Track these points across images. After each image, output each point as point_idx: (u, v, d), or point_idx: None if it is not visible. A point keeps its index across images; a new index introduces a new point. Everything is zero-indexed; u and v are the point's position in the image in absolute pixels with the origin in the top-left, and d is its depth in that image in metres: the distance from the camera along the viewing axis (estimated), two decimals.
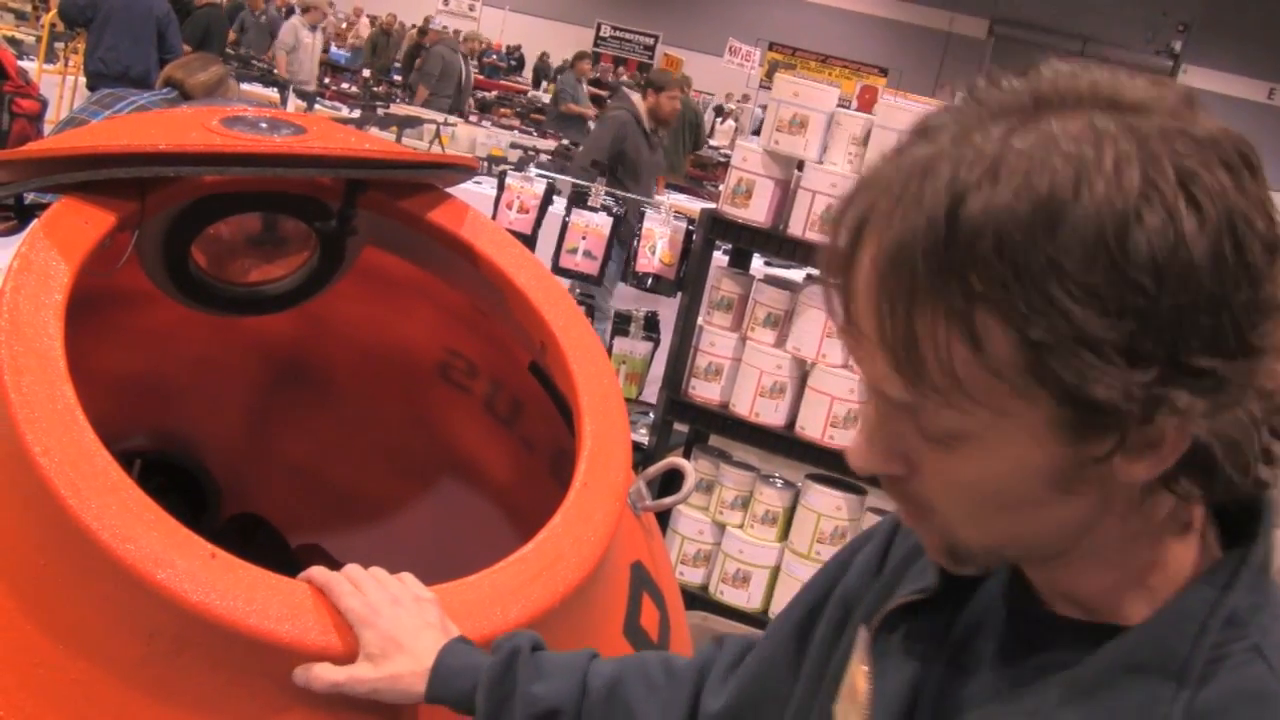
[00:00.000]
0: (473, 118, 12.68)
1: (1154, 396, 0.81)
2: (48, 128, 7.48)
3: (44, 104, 7.16)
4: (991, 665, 1.02)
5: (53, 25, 10.96)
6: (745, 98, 23.80)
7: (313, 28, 13.41)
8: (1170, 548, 0.94)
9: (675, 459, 1.94)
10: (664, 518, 4.49)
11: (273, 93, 10.43)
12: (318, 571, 1.54)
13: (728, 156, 4.60)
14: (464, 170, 2.18)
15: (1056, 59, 0.88)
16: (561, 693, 1.39)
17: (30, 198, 1.98)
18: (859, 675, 1.11)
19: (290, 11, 15.26)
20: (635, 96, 7.87)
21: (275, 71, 12.33)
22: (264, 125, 1.94)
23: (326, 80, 14.10)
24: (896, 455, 0.92)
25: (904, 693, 1.07)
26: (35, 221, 1.78)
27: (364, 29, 20.19)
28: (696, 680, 1.39)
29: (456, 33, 17.62)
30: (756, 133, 4.56)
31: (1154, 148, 0.80)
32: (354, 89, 14.81)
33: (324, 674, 1.45)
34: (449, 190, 2.17)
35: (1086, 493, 0.89)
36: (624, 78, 18.57)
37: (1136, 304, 0.79)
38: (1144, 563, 0.94)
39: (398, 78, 16.91)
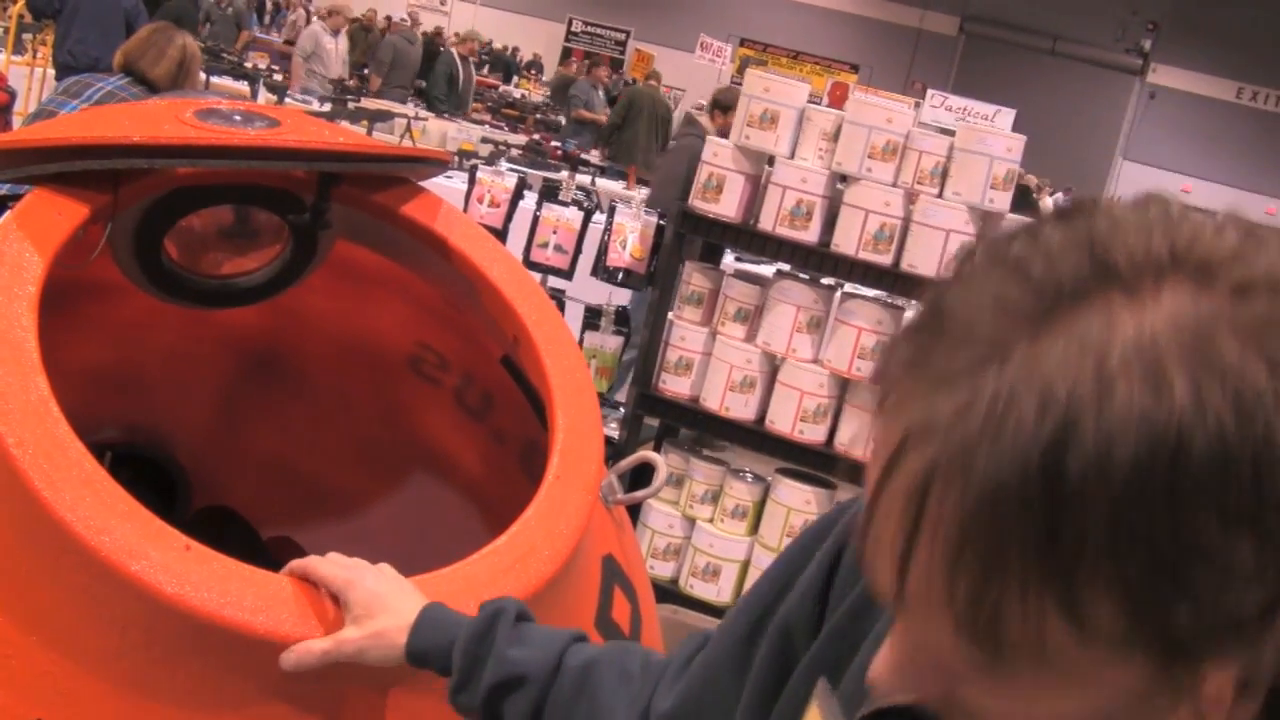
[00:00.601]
0: (445, 114, 12.66)
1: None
2: (17, 120, 7.44)
3: (13, 96, 7.12)
4: None
5: (20, 17, 10.89)
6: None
7: (335, 33, 13.34)
8: None
9: (646, 453, 1.96)
10: (634, 511, 4.50)
11: (243, 85, 10.39)
12: (297, 563, 1.55)
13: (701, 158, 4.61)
14: (437, 164, 2.19)
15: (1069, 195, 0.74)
16: (536, 663, 1.38)
17: (3, 190, 1.98)
18: None
19: (261, 5, 15.21)
20: (704, 120, 7.85)
21: (288, 81, 12.31)
22: (238, 118, 1.95)
23: None
24: (936, 681, 0.76)
25: None
26: (7, 213, 1.79)
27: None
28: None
29: (420, 27, 17.66)
30: None
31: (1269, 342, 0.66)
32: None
33: (310, 647, 1.46)
34: (422, 184, 2.18)
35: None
36: (613, 78, 18.64)
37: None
38: None
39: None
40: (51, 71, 9.62)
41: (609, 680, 1.35)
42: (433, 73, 14.54)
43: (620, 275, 4.85)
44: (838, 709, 1.00)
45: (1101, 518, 0.64)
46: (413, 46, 14.21)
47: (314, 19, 14.41)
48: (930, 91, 5.05)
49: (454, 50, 14.98)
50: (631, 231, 4.83)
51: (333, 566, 1.52)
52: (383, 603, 1.47)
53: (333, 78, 12.81)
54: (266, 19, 21.24)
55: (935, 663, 0.74)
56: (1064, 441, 0.64)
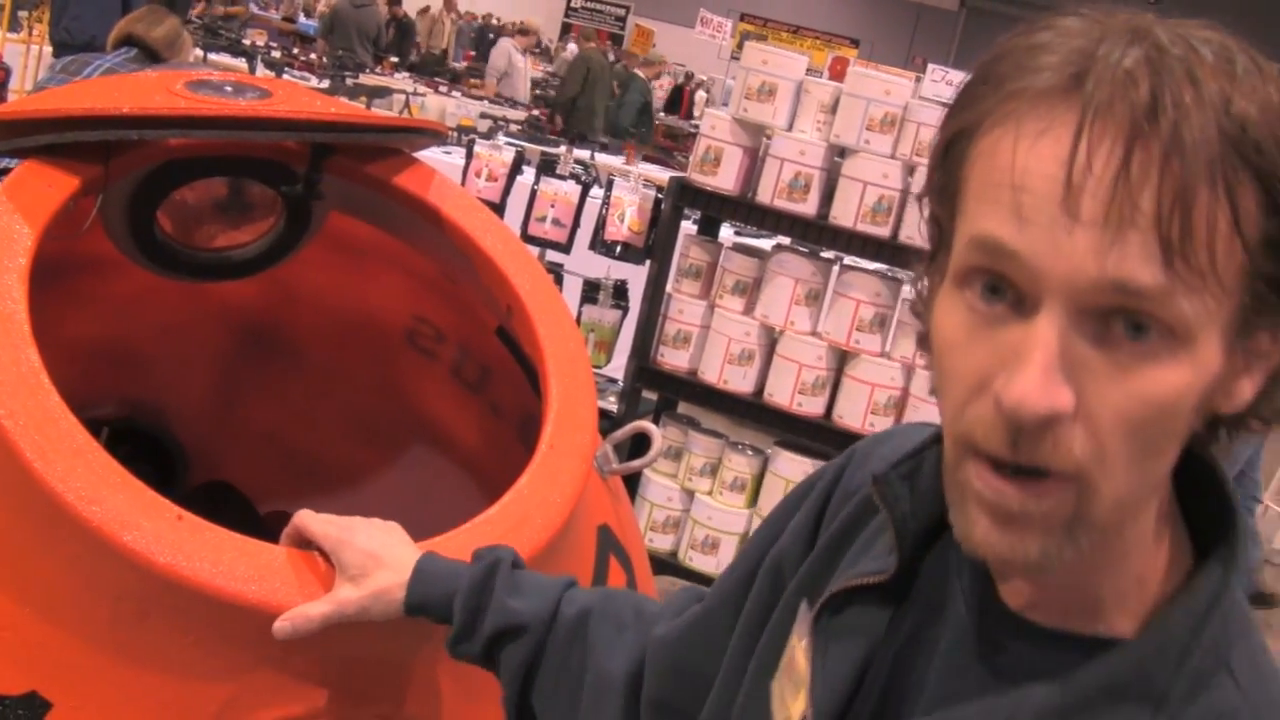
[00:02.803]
0: (443, 89, 12.59)
1: None
2: (12, 97, 7.42)
3: (8, 73, 7.12)
4: (950, 661, 0.99)
5: None
6: (701, 83, 23.64)
7: (525, 51, 13.24)
8: (1157, 550, 0.93)
9: (642, 423, 1.95)
10: (633, 485, 4.51)
11: (240, 62, 10.36)
12: (292, 521, 1.55)
13: (698, 127, 4.61)
14: (431, 135, 2.18)
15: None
16: (533, 612, 1.40)
17: None
18: (798, 652, 1.10)
19: None
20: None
21: (485, 95, 12.21)
22: (229, 89, 1.94)
23: (295, 50, 13.97)
24: (1071, 385, 0.81)
25: (848, 675, 1.04)
26: None
27: None
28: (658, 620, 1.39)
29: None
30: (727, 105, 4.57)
31: None
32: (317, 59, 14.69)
33: (308, 611, 1.45)
34: (416, 155, 2.17)
35: (1194, 426, 0.87)
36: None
37: None
38: (1141, 568, 0.92)
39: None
40: (48, 49, 9.59)
41: (604, 631, 1.39)
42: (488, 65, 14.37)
43: (618, 249, 4.84)
44: (809, 625, 1.10)
45: (1263, 135, 0.80)
46: (360, 10, 13.70)
47: (504, 37, 14.22)
48: (931, 66, 5.04)
49: (511, 42, 14.66)
50: (630, 205, 4.83)
51: (325, 525, 1.52)
52: (377, 559, 1.47)
53: (520, 99, 12.64)
54: None
55: (1073, 345, 0.81)
56: (1230, 96, 0.80)
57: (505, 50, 13.31)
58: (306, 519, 1.53)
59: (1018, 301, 0.83)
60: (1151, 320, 0.80)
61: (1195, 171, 0.78)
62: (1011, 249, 0.81)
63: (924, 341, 0.97)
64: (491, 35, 19.93)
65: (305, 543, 1.54)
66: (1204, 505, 0.95)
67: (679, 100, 21.00)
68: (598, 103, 13.47)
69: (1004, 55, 0.87)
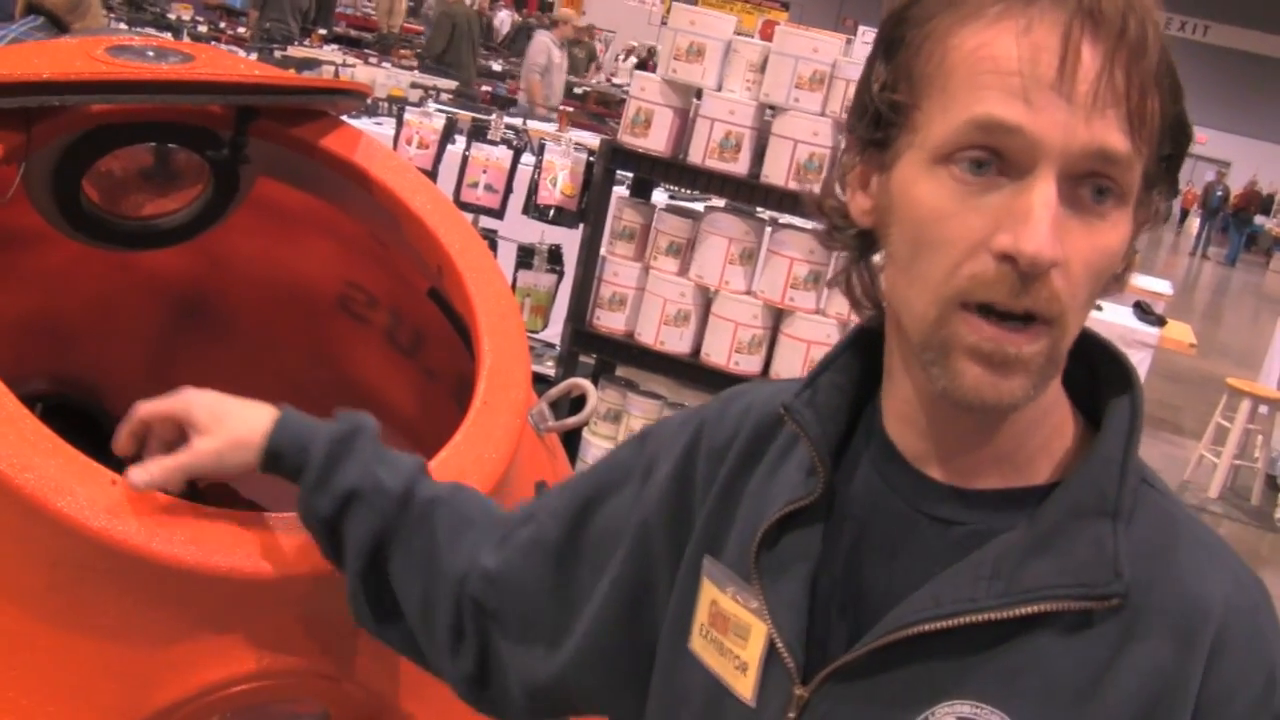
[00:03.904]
0: (373, 60, 12.47)
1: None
2: None
3: None
4: (908, 549, 1.10)
5: None
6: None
7: (562, 44, 12.83)
8: (1062, 398, 1.11)
9: (577, 380, 1.96)
10: (573, 449, 4.51)
11: (166, 36, 10.24)
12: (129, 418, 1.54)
13: (628, 93, 4.60)
14: (356, 96, 2.17)
15: None
16: (391, 483, 1.43)
17: None
18: (724, 603, 1.18)
19: None
20: None
21: (522, 98, 11.85)
22: (151, 53, 1.92)
23: (222, 24, 13.81)
24: (1062, 233, 0.96)
25: (803, 596, 1.12)
26: None
27: None
28: (503, 526, 1.42)
29: None
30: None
31: None
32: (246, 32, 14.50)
33: (164, 462, 1.46)
34: (344, 120, 2.15)
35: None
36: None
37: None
38: (1057, 418, 1.10)
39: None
40: None
41: (449, 521, 1.42)
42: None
43: (551, 213, 4.83)
44: (728, 573, 1.19)
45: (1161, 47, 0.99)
46: None
47: (539, 30, 13.84)
48: (862, 28, 5.05)
49: (549, 36, 14.14)
50: (561, 169, 4.82)
51: (163, 399, 1.52)
52: (230, 412, 1.49)
53: (555, 101, 12.34)
54: None
55: (1062, 206, 0.96)
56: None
57: (544, 46, 12.82)
58: (143, 406, 1.52)
59: (1005, 173, 0.97)
60: (1113, 184, 0.97)
61: (1151, 65, 0.97)
62: (1015, 124, 0.95)
63: (835, 234, 1.15)
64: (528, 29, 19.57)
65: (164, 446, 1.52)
66: (1087, 367, 1.12)
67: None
68: (465, 55, 13.45)
69: None
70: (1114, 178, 0.97)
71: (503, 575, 1.36)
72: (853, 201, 1.12)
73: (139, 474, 1.45)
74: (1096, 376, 1.12)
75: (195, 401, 1.50)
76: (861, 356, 1.18)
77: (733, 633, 1.17)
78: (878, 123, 1.06)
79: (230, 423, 1.48)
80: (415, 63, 13.29)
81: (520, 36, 21.54)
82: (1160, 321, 7.99)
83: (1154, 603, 1.02)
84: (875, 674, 1.07)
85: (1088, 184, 0.97)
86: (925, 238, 1.01)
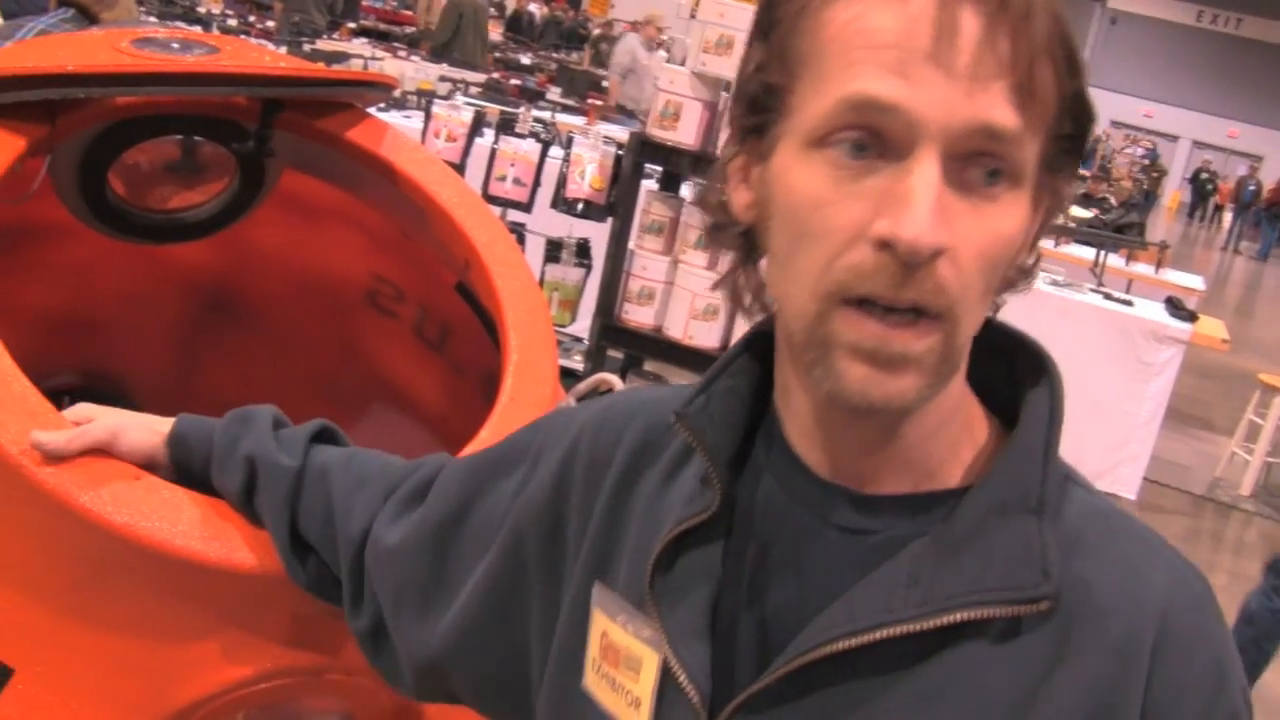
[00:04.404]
0: (401, 52, 12.48)
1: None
2: None
3: None
4: (818, 563, 1.01)
5: None
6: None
7: (650, 46, 12.71)
8: (969, 397, 1.04)
9: (605, 375, 1.94)
10: None
11: (195, 30, 10.27)
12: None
13: (658, 86, 4.59)
14: (383, 88, 2.15)
15: None
16: (286, 456, 1.45)
17: None
18: (614, 634, 1.09)
19: None
20: None
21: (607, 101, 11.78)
22: (176, 46, 1.91)
23: (251, 18, 13.85)
24: (949, 226, 0.89)
25: (704, 623, 1.03)
26: None
27: None
28: (398, 484, 1.41)
29: None
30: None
31: None
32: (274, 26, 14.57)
33: (68, 431, 1.47)
34: (372, 113, 2.14)
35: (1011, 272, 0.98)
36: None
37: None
38: (965, 418, 1.02)
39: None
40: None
41: (343, 483, 1.42)
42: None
43: (580, 207, 4.82)
44: (619, 600, 1.10)
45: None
46: None
47: (627, 33, 13.71)
48: None
49: (636, 37, 14.08)
50: (590, 162, 4.80)
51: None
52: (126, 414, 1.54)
53: (644, 104, 12.25)
54: None
55: (946, 189, 0.88)
56: None
57: (630, 47, 12.69)
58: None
59: (883, 155, 0.89)
60: (1003, 164, 0.90)
61: (1039, 36, 0.89)
62: (890, 102, 0.87)
63: (720, 230, 1.06)
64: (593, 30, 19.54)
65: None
66: (1003, 362, 1.06)
67: None
68: (471, 44, 13.67)
69: None
70: (1003, 156, 0.89)
71: (390, 552, 1.33)
72: (734, 195, 1.03)
73: (42, 433, 1.44)
74: (1015, 372, 1.05)
75: (86, 413, 1.53)
76: (759, 360, 1.09)
77: (624, 666, 1.08)
78: (754, 108, 0.98)
79: (118, 413, 1.53)
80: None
81: (549, 30, 21.56)
82: (1192, 317, 7.95)
83: (1088, 604, 0.94)
84: (790, 700, 0.98)
85: (976, 164, 0.89)
86: (802, 228, 0.92)
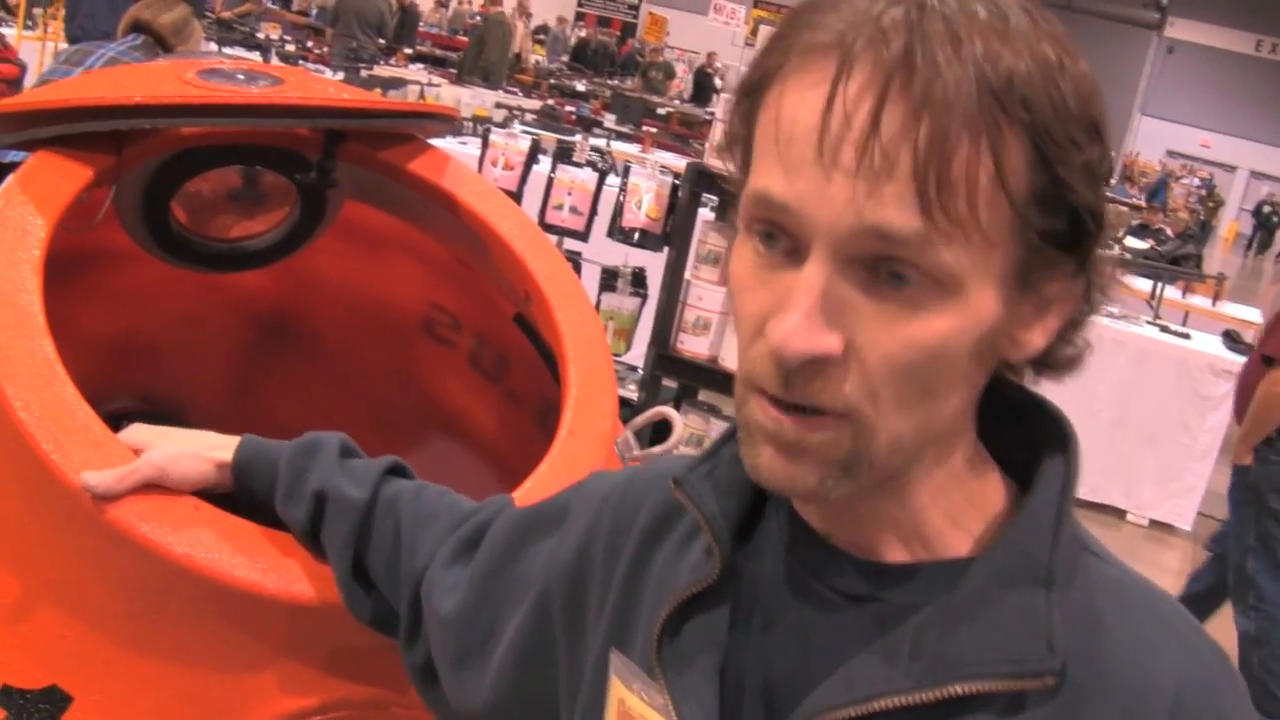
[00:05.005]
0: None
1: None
2: None
3: (23, 69, 7.11)
4: (819, 632, 0.99)
5: None
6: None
7: None
8: (981, 476, 0.99)
9: (663, 408, 1.94)
10: None
11: (255, 56, 10.37)
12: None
13: (712, 114, 4.59)
14: (444, 120, 2.16)
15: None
16: (356, 488, 1.44)
17: (11, 157, 1.97)
18: (630, 702, 1.08)
19: None
20: None
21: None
22: (241, 77, 1.93)
23: (309, 43, 13.98)
24: (838, 328, 0.85)
25: (711, 692, 1.02)
26: (9, 177, 1.77)
27: None
28: (460, 525, 1.41)
29: None
30: None
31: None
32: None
33: (117, 469, 1.46)
34: (430, 141, 2.15)
35: (981, 372, 0.93)
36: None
37: (1096, 140, 0.88)
38: (971, 490, 0.98)
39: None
40: (64, 45, 9.60)
41: (411, 517, 1.42)
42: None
43: (636, 236, 4.82)
44: (634, 668, 1.08)
45: (1026, 93, 0.83)
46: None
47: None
48: None
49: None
50: (647, 192, 4.80)
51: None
52: (173, 433, 1.56)
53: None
54: None
55: (836, 288, 0.85)
56: (996, 54, 0.83)
57: None
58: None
59: (792, 250, 0.87)
60: (911, 269, 0.84)
61: (949, 125, 0.81)
62: (780, 200, 0.85)
63: None
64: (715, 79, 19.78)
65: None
66: (1023, 429, 1.01)
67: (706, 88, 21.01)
68: (496, 62, 14.35)
69: (797, 14, 0.90)
70: (906, 259, 0.83)
71: (439, 596, 1.33)
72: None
73: (91, 474, 1.44)
74: (1034, 437, 1.01)
75: (141, 437, 1.54)
76: None
77: None
78: (729, 184, 0.98)
79: (175, 438, 1.54)
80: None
81: (600, 58, 21.70)
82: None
83: (1097, 680, 0.90)
84: None
85: (883, 266, 0.84)
86: (734, 311, 0.93)
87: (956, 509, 0.97)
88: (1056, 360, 0.96)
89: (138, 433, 1.55)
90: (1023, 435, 1.01)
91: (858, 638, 0.96)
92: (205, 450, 1.52)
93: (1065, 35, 0.87)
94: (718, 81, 21.73)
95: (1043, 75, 0.84)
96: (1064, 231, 0.88)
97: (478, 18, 19.00)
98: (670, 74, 20.68)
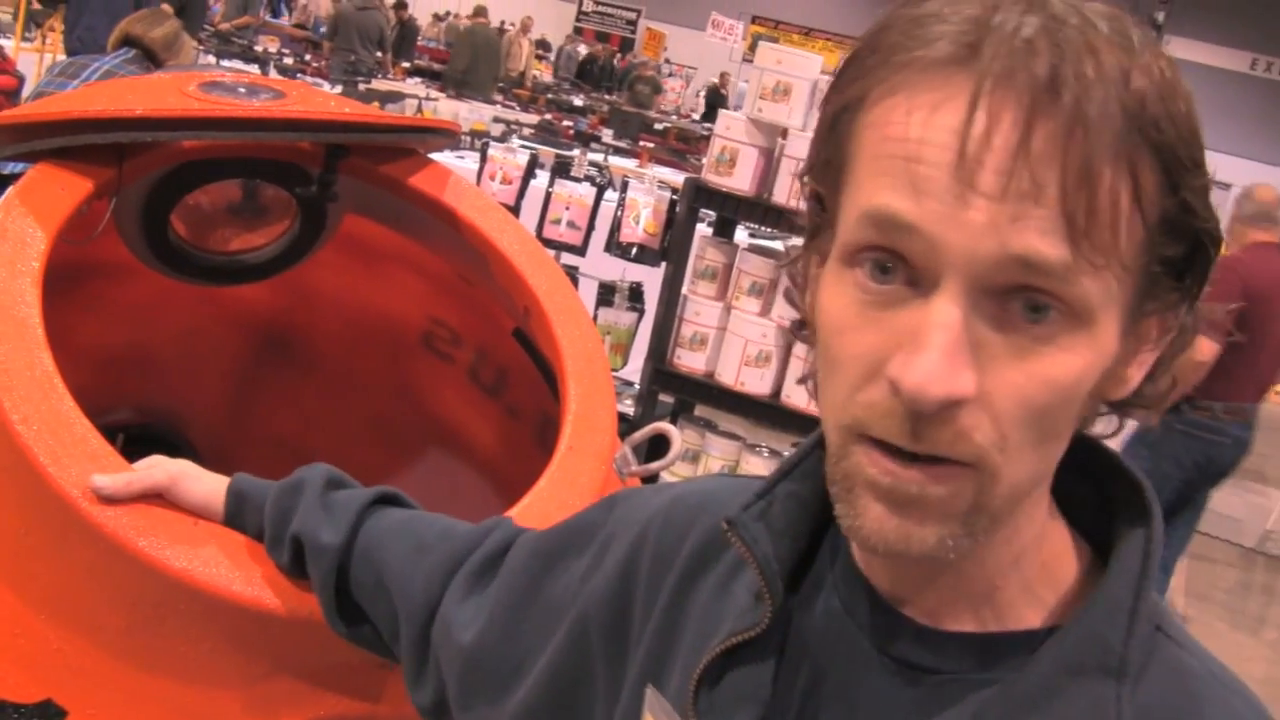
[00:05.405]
0: (451, 92, 12.62)
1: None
2: None
3: (21, 80, 7.11)
4: (867, 699, 0.93)
5: (30, 1, 10.88)
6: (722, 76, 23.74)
7: None
8: (1054, 535, 0.92)
9: (661, 424, 1.93)
10: None
11: (253, 69, 10.37)
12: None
13: (710, 130, 4.59)
14: (446, 134, 2.16)
15: None
16: (330, 535, 1.40)
17: (10, 169, 1.97)
18: None
19: None
20: None
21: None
22: (242, 90, 1.92)
23: (307, 57, 13.98)
24: (975, 369, 0.78)
25: None
26: (9, 189, 1.76)
27: (316, 4, 19.84)
28: (463, 555, 1.34)
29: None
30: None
31: None
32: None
33: (124, 474, 1.47)
34: (431, 157, 2.15)
35: (1087, 413, 0.86)
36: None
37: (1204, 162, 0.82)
38: (1046, 555, 0.91)
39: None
40: (62, 57, 9.60)
41: (399, 554, 1.36)
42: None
43: (634, 251, 4.82)
44: (668, 708, 1.01)
45: (1161, 115, 0.79)
46: (362, 13, 13.82)
47: None
48: None
49: None
50: (645, 207, 4.80)
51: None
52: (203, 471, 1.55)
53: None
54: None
55: (973, 327, 0.78)
56: (1129, 71, 0.78)
57: None
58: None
59: (912, 281, 0.80)
60: (1053, 300, 0.78)
61: (1099, 147, 0.76)
62: (908, 221, 0.78)
63: (800, 329, 0.95)
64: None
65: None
66: (1094, 487, 0.94)
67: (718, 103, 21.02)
68: (482, 75, 14.33)
69: (892, 25, 0.83)
70: (1049, 290, 0.77)
71: (458, 630, 1.26)
72: (805, 296, 0.94)
73: (100, 477, 1.46)
74: (1108, 499, 0.93)
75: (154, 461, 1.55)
76: None
77: None
78: (813, 209, 0.90)
79: (185, 464, 1.54)
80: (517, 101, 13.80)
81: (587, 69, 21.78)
82: None
83: None
84: None
85: (1017, 298, 0.78)
86: (829, 353, 0.84)
87: (1032, 575, 0.90)
88: (1143, 399, 0.89)
89: (155, 460, 1.55)
90: (1094, 493, 0.95)
91: (912, 711, 0.90)
92: (214, 481, 1.52)
93: (1166, 51, 0.82)
94: (731, 101, 21.79)
95: (1166, 94, 0.79)
96: (1181, 258, 0.83)
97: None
98: (657, 88, 20.68)
